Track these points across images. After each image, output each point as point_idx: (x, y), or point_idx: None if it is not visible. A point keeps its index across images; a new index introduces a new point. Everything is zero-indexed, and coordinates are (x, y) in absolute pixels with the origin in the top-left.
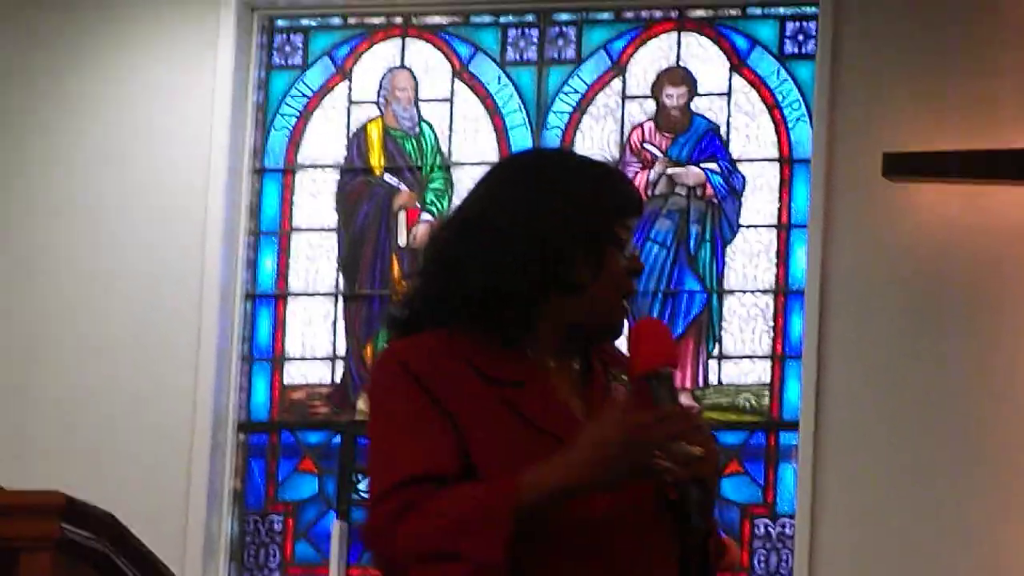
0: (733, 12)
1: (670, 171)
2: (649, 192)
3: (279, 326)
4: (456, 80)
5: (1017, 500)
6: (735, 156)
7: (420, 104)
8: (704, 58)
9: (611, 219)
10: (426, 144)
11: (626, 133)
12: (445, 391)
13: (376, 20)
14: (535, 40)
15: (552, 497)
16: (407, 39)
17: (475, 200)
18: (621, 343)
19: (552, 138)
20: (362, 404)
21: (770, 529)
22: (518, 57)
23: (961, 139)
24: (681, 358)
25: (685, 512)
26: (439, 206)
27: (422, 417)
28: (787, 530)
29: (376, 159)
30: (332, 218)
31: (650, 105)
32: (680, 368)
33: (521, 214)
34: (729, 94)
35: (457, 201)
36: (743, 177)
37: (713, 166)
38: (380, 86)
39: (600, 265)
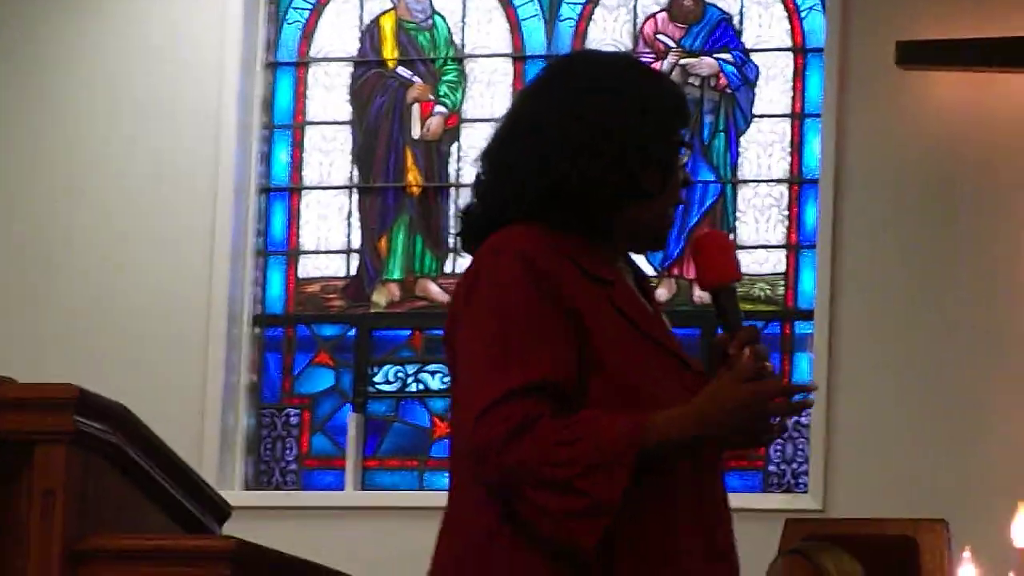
0: None
1: (683, 61)
2: None
3: (293, 219)
4: None
5: None
6: (748, 46)
7: None
8: None
9: (677, 129)
10: (439, 36)
11: (639, 24)
12: (571, 288)
13: None
14: None
15: (674, 448)
16: None
17: (554, 100)
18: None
19: (565, 30)
20: (377, 297)
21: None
22: None
23: (974, 27)
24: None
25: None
26: (452, 99)
27: (547, 318)
28: (803, 419)
29: (389, 52)
30: (346, 111)
31: None
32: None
33: (608, 117)
34: None
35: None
36: (756, 67)
37: (726, 56)
38: None
39: (669, 174)
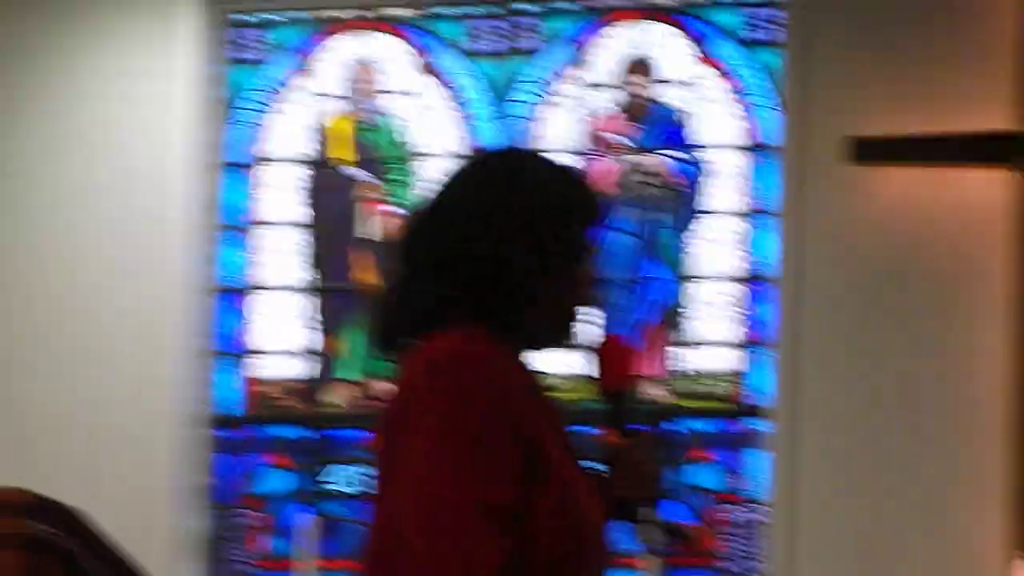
0: (699, 0)
1: (636, 159)
2: (616, 181)
3: (248, 320)
4: (420, 72)
5: (995, 481)
6: (701, 143)
7: (384, 96)
8: (669, 46)
9: (587, 224)
10: (388, 136)
11: (590, 122)
12: (521, 407)
13: (338, 12)
14: (499, 30)
15: None
16: (370, 32)
17: (471, 192)
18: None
19: (516, 129)
20: (334, 397)
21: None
22: (482, 48)
23: (928, 123)
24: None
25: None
26: (401, 197)
27: (504, 464)
28: (764, 517)
29: (342, 151)
30: (299, 211)
31: (615, 94)
32: (650, 356)
33: (525, 208)
34: (695, 82)
35: (425, 193)
36: (708, 165)
37: (680, 154)
38: (345, 79)
39: (576, 265)
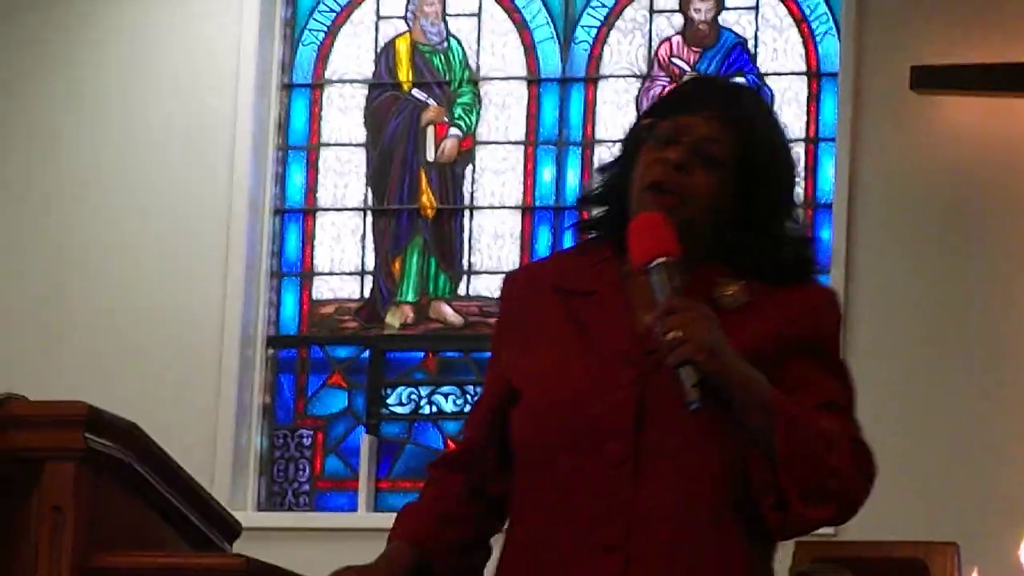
0: None
1: None
2: None
3: (308, 241)
4: None
5: None
6: (763, 70)
7: (448, 19)
8: None
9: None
10: (454, 59)
11: (654, 48)
12: (518, 313)
13: None
14: None
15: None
16: None
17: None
18: None
19: (580, 53)
20: (390, 319)
21: None
22: None
23: (988, 52)
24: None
25: (688, 400)
26: (467, 121)
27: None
28: None
29: (404, 74)
30: (360, 133)
31: (678, 19)
32: None
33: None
34: (757, 8)
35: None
36: (771, 91)
37: (741, 80)
38: (408, 1)
39: (630, 164)
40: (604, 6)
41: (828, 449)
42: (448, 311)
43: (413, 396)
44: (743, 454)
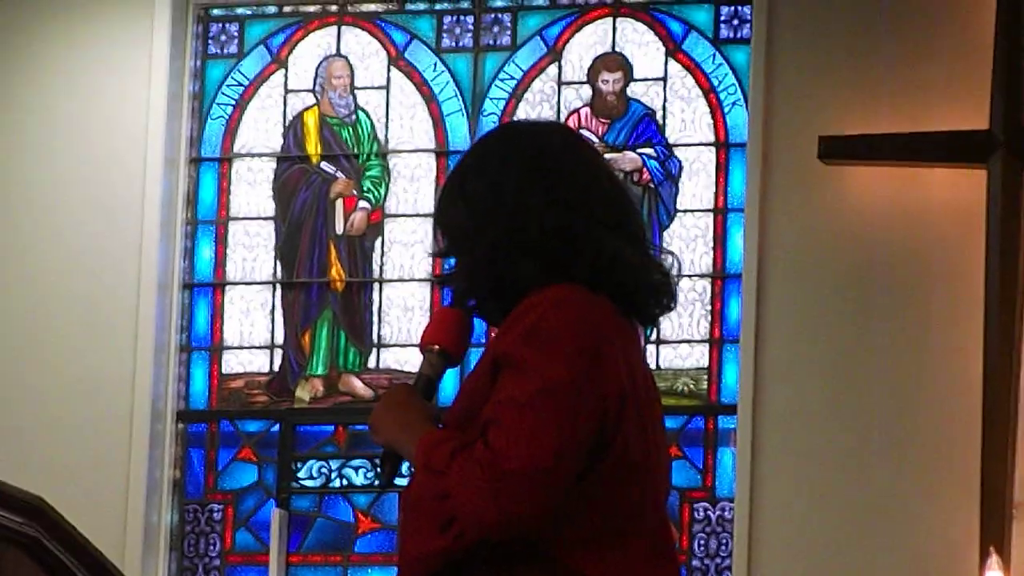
0: None
1: (607, 157)
2: None
3: (217, 315)
4: (392, 68)
5: (950, 479)
6: (671, 141)
7: (356, 92)
8: (639, 43)
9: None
10: (362, 132)
11: (562, 119)
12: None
13: (311, 8)
14: (470, 27)
15: None
16: (343, 27)
17: (514, 168)
18: None
19: (488, 125)
20: (300, 392)
21: (709, 513)
22: (453, 44)
23: (895, 122)
24: (456, 343)
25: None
26: (376, 194)
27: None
28: (726, 514)
29: (313, 147)
30: (269, 207)
31: (586, 91)
32: None
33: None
34: (665, 79)
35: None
36: (679, 162)
37: (650, 151)
38: (316, 74)
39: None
40: (512, 78)
41: (441, 497)
42: (358, 384)
43: (323, 469)
44: None
